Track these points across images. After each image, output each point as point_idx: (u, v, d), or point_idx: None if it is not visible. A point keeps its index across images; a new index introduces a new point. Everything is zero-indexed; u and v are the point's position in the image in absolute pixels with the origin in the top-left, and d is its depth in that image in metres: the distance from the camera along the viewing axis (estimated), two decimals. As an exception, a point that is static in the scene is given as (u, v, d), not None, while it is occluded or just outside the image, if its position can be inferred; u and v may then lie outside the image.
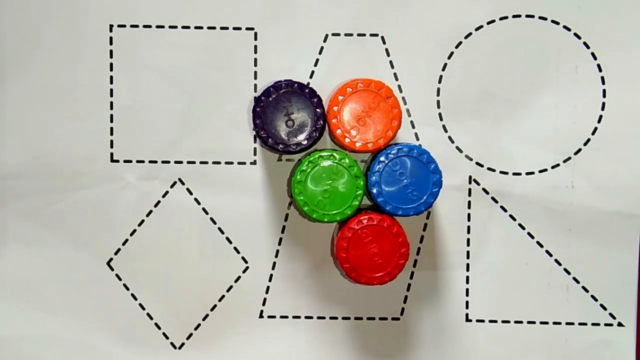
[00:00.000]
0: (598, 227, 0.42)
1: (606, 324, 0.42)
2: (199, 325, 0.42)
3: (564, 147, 0.42)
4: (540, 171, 0.42)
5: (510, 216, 0.42)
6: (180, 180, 0.42)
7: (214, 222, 0.42)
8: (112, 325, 0.42)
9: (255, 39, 0.41)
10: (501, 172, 0.42)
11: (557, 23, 0.41)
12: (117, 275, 0.42)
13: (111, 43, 0.41)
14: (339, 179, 0.39)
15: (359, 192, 0.39)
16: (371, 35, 0.41)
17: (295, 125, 0.39)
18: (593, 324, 0.42)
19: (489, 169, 0.42)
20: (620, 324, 0.42)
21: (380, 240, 0.39)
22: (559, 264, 0.42)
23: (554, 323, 0.42)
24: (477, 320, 0.42)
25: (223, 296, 0.42)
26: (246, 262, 0.42)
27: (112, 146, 0.42)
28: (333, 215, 0.39)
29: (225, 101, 0.41)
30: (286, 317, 0.42)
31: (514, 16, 0.41)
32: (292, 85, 0.39)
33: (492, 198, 0.42)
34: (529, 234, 0.42)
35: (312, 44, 0.41)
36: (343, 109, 0.39)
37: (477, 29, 0.41)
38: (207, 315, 0.42)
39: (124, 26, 0.41)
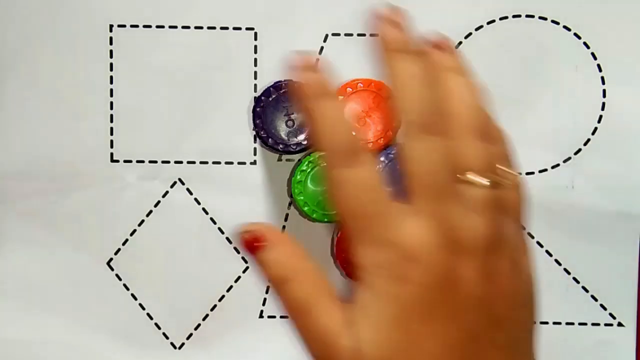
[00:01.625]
0: (598, 227, 0.42)
1: (606, 324, 0.42)
2: (199, 325, 0.42)
3: (564, 147, 0.42)
4: (540, 171, 0.42)
5: (510, 216, 0.42)
6: (180, 180, 0.42)
7: (214, 222, 0.42)
8: (112, 325, 0.42)
9: (255, 39, 0.41)
10: (501, 172, 0.42)
11: (557, 23, 0.41)
12: (117, 275, 0.42)
13: (111, 43, 0.41)
14: None
15: None
16: (371, 35, 0.41)
17: (295, 125, 0.40)
18: (593, 324, 0.42)
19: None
20: (620, 324, 0.42)
21: None
22: (559, 264, 0.42)
23: (554, 323, 0.42)
24: (477, 320, 0.42)
25: (223, 296, 0.42)
26: (246, 262, 0.42)
27: (112, 146, 0.42)
28: (333, 215, 0.39)
29: (225, 101, 0.41)
30: (286, 317, 0.42)
31: (514, 16, 0.41)
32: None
33: (492, 198, 0.42)
34: (529, 234, 0.42)
35: (312, 44, 0.41)
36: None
37: (477, 29, 0.41)
38: (207, 315, 0.42)
39: (124, 26, 0.41)
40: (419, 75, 0.35)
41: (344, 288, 0.42)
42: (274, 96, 0.39)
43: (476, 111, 0.36)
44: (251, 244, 0.36)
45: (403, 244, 0.34)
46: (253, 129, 0.41)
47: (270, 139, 0.39)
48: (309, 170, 0.39)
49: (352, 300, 0.36)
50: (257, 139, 0.41)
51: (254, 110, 0.39)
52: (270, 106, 0.39)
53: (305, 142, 0.39)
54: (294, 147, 0.39)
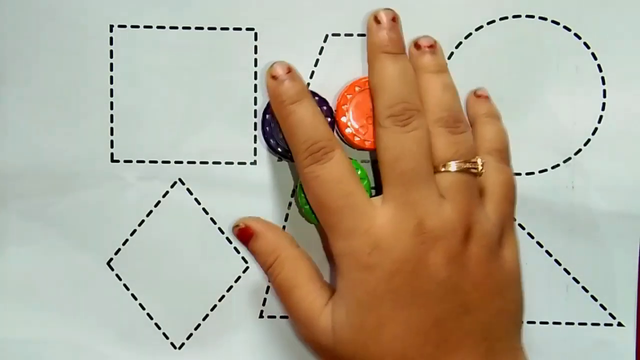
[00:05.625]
0: (598, 227, 0.42)
1: (606, 324, 0.42)
2: (199, 325, 0.42)
3: (564, 147, 0.42)
4: (540, 171, 0.42)
5: (510, 216, 0.42)
6: (180, 180, 0.42)
7: (214, 222, 0.42)
8: (112, 325, 0.42)
9: (255, 39, 0.41)
10: (501, 172, 0.42)
11: (557, 23, 0.41)
12: (117, 275, 0.42)
13: (111, 43, 0.41)
14: None
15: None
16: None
17: None
18: (593, 324, 0.42)
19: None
20: (620, 324, 0.42)
21: None
22: (559, 264, 0.42)
23: (554, 323, 0.42)
24: (477, 320, 0.42)
25: (223, 296, 0.42)
26: (246, 262, 0.42)
27: (112, 146, 0.42)
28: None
29: (226, 101, 0.41)
30: (286, 317, 0.42)
31: (514, 16, 0.41)
32: None
33: (492, 198, 0.42)
34: (529, 234, 0.42)
35: (312, 44, 0.41)
36: (351, 108, 0.39)
37: (477, 29, 0.41)
38: (207, 315, 0.42)
39: (124, 26, 0.41)
40: (397, 73, 0.38)
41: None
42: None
43: (446, 106, 0.38)
44: (242, 236, 0.41)
45: (370, 233, 0.36)
46: (266, 145, 0.41)
47: (279, 148, 0.40)
48: None
49: (326, 284, 0.39)
50: (268, 148, 0.41)
51: (262, 126, 0.40)
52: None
53: None
54: None
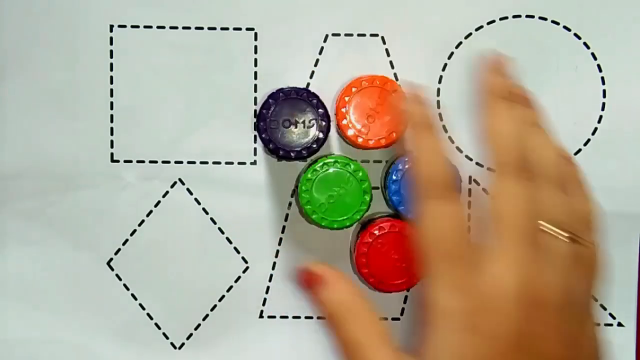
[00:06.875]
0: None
1: (606, 324, 0.42)
2: (199, 325, 0.42)
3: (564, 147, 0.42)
4: (540, 171, 0.42)
5: (510, 216, 0.42)
6: (180, 180, 0.42)
7: (214, 222, 0.42)
8: (112, 325, 0.42)
9: (255, 39, 0.41)
10: (501, 172, 0.42)
11: (557, 23, 0.41)
12: (117, 275, 0.42)
13: (111, 43, 0.41)
14: (346, 185, 0.39)
15: (366, 196, 0.39)
16: (371, 35, 0.41)
17: (303, 128, 0.39)
18: (593, 324, 0.42)
19: (489, 169, 0.42)
20: (620, 324, 0.42)
21: (401, 246, 0.39)
22: (559, 264, 0.42)
23: (554, 323, 0.42)
24: (477, 320, 0.42)
25: (223, 296, 0.42)
26: (246, 262, 0.42)
27: (112, 146, 0.42)
28: (342, 221, 0.39)
29: (226, 101, 0.41)
30: (286, 317, 0.42)
31: (514, 16, 0.41)
32: (289, 93, 0.39)
33: (492, 198, 0.42)
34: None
35: (312, 44, 0.41)
36: (351, 109, 0.39)
37: (477, 29, 0.41)
38: (207, 315, 0.42)
39: (124, 26, 0.41)
40: (515, 121, 0.35)
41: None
42: (273, 107, 0.39)
43: (561, 166, 0.36)
44: (309, 282, 0.36)
45: (482, 290, 0.32)
46: (264, 148, 0.41)
47: (281, 151, 0.39)
48: (314, 178, 0.39)
49: (400, 347, 0.34)
50: (267, 151, 0.41)
51: (257, 127, 0.40)
52: (274, 119, 0.39)
53: (314, 146, 0.39)
54: (304, 151, 0.39)
